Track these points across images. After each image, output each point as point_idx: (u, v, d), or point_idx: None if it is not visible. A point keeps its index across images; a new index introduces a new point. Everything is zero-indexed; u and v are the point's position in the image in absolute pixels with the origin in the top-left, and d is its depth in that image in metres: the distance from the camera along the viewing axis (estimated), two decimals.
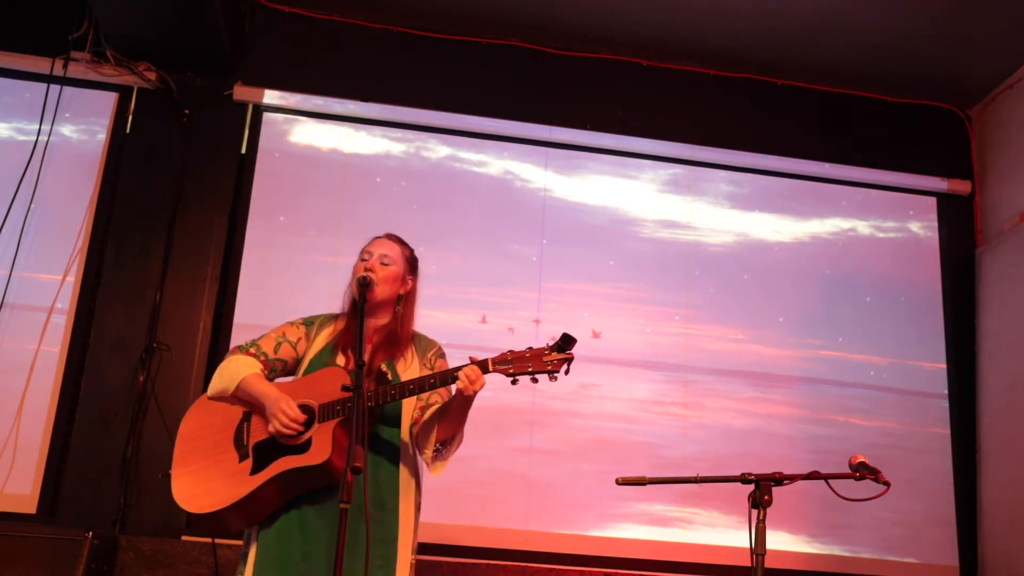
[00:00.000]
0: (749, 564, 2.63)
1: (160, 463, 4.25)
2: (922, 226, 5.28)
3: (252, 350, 2.87)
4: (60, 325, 4.43)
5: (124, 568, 4.02)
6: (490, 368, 2.62)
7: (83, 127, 4.72)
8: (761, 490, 2.66)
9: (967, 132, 5.42)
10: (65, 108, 4.61)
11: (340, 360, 2.82)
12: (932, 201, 5.32)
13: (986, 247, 5.11)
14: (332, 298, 4.58)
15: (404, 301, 2.97)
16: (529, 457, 4.59)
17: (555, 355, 2.58)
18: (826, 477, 2.79)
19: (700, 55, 5.16)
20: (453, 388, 2.71)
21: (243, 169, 4.78)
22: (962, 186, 5.27)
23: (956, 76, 5.19)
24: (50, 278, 4.49)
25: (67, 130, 4.69)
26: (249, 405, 2.80)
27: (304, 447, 2.65)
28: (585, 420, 4.69)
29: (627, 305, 4.90)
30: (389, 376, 2.79)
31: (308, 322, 2.99)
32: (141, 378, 4.34)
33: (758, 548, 2.62)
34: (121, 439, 4.26)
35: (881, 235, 5.23)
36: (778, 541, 4.55)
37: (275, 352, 2.89)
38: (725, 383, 4.87)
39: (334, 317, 3.00)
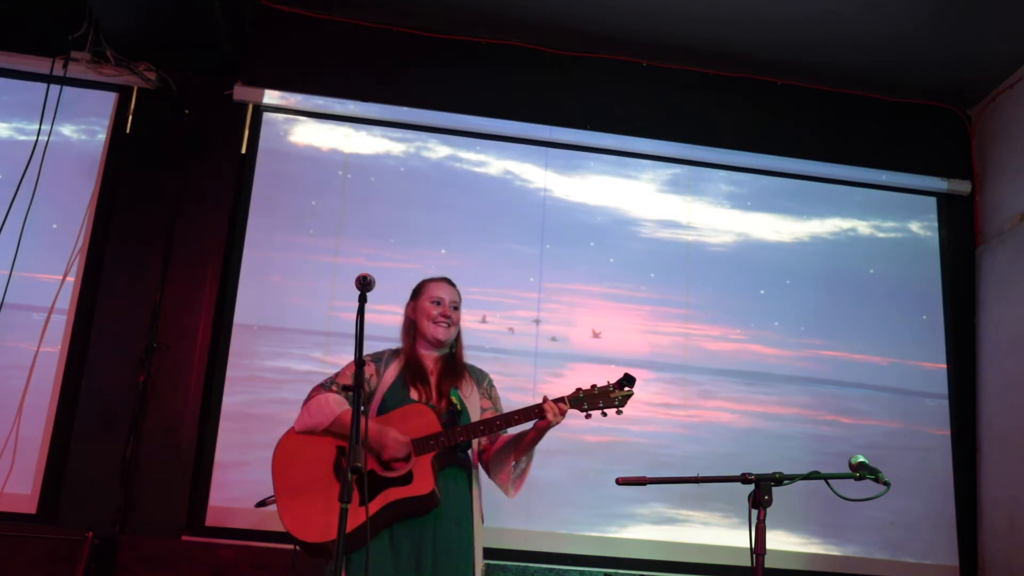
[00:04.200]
0: (749, 564, 2.64)
1: (160, 463, 4.28)
2: (922, 226, 5.28)
3: (334, 388, 3.09)
4: (60, 325, 4.43)
5: (124, 568, 4.02)
6: (568, 405, 3.03)
7: (83, 127, 4.72)
8: (761, 490, 2.67)
9: (967, 132, 5.43)
10: (65, 108, 4.59)
11: (413, 394, 3.10)
12: (932, 201, 5.33)
13: (986, 247, 5.11)
14: (332, 298, 4.65)
15: (458, 337, 3.31)
16: None
17: (618, 392, 3.07)
18: (826, 477, 2.80)
19: (700, 55, 5.16)
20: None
21: (243, 169, 4.78)
22: (962, 186, 5.27)
23: (956, 76, 5.19)
24: (50, 278, 4.49)
25: (67, 130, 4.69)
26: (344, 438, 2.99)
27: (406, 479, 2.95)
28: (585, 420, 4.67)
29: (627, 305, 4.90)
30: (458, 407, 3.10)
31: (376, 359, 3.21)
32: (141, 378, 4.34)
33: (758, 548, 2.63)
34: (121, 439, 4.26)
35: (881, 235, 5.23)
36: (778, 541, 4.56)
37: None
38: (725, 383, 4.87)
39: (397, 352, 3.26)
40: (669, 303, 4.94)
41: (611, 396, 3.06)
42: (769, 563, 2.63)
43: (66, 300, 4.47)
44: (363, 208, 4.82)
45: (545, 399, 2.99)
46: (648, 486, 2.84)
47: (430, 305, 3.22)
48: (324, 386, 3.12)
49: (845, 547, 4.70)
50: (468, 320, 4.67)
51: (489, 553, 4.34)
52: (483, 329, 4.72)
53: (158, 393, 4.35)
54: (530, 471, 3.21)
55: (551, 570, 4.35)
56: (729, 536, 4.61)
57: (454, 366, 3.23)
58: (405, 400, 3.08)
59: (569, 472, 4.59)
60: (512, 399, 4.57)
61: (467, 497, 3.09)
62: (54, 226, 4.55)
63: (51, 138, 4.56)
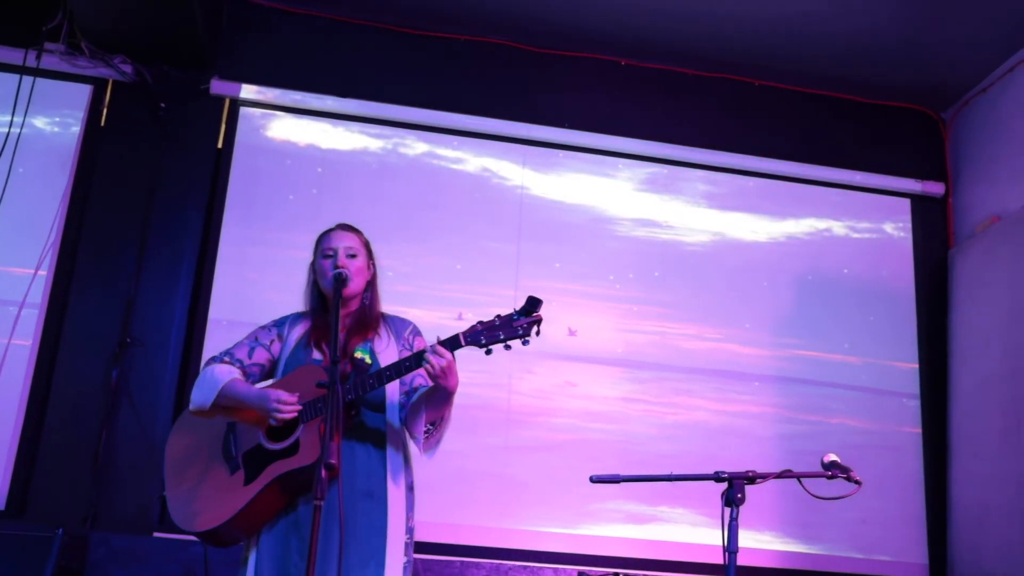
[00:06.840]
0: (722, 562, 2.65)
1: (132, 460, 4.25)
2: (896, 227, 5.32)
3: (227, 359, 2.87)
4: (32, 319, 4.38)
5: (95, 565, 3.98)
6: (462, 343, 2.64)
7: (57, 119, 4.67)
8: (734, 488, 2.68)
9: (941, 135, 5.48)
10: (38, 100, 4.53)
11: (316, 356, 2.82)
12: (906, 203, 5.37)
13: (958, 249, 5.16)
14: None
15: (371, 286, 2.98)
16: (504, 455, 4.60)
17: (523, 319, 2.60)
18: (798, 476, 2.82)
19: (678, 55, 5.18)
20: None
21: (219, 164, 4.75)
22: (935, 188, 5.32)
23: (931, 79, 5.23)
24: (22, 271, 4.43)
25: (40, 122, 4.64)
26: (234, 411, 2.78)
27: (293, 449, 2.65)
28: (560, 418, 4.70)
29: (603, 303, 4.91)
30: (367, 360, 2.79)
31: (279, 323, 2.98)
32: (114, 374, 4.31)
33: (731, 546, 2.64)
34: (93, 435, 4.22)
35: (855, 236, 5.27)
36: (751, 539, 4.58)
37: (250, 357, 2.89)
38: (700, 382, 4.89)
39: (302, 315, 2.99)
40: (645, 302, 4.95)
41: (514, 325, 2.59)
42: (742, 561, 2.65)
43: (38, 294, 4.42)
44: (340, 204, 4.79)
45: (438, 339, 2.65)
46: (622, 484, 2.82)
47: (324, 260, 2.90)
48: (215, 358, 2.88)
49: (816, 545, 4.73)
50: (444, 317, 4.70)
51: (463, 550, 4.36)
52: (459, 326, 4.69)
53: (131, 389, 4.32)
54: (446, 433, 2.82)
55: (525, 568, 4.35)
56: (702, 534, 4.63)
57: (365, 320, 2.89)
58: (307, 362, 2.79)
59: (543, 470, 4.60)
60: (486, 395, 4.60)
61: (380, 460, 2.76)
62: (26, 219, 4.49)
63: (23, 130, 4.51)
